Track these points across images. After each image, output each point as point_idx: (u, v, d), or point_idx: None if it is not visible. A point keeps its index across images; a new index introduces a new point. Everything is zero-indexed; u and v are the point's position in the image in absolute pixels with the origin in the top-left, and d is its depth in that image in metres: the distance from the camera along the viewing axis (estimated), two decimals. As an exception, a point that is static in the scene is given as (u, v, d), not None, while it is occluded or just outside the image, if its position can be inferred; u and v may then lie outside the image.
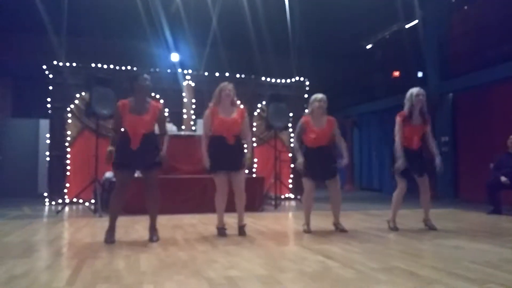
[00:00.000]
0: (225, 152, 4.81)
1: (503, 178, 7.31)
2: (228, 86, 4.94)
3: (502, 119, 9.52)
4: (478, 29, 10.52)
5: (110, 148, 4.44)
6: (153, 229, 4.70)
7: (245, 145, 5.06)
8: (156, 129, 4.68)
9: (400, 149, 5.18)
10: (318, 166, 5.10)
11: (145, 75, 4.56)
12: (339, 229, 5.31)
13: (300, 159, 5.09)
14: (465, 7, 11.16)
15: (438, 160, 5.25)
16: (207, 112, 4.97)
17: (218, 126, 4.86)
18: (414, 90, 5.32)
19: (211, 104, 4.99)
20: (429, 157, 5.38)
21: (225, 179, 4.90)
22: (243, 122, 4.97)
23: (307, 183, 5.20)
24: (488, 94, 10.00)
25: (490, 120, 9.86)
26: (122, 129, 4.54)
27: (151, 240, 4.59)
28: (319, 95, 5.26)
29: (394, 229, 5.33)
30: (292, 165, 5.23)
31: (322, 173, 5.17)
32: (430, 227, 5.41)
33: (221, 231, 4.97)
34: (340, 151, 5.27)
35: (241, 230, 5.01)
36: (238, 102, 5.14)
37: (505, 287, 2.83)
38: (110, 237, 4.50)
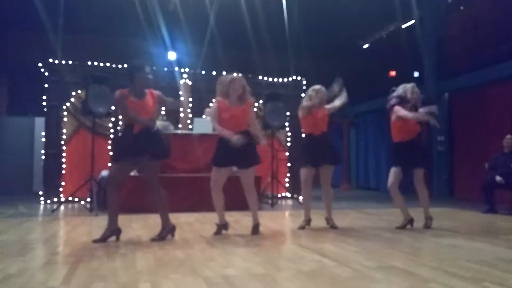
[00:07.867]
0: (233, 149, 4.58)
1: (498, 178, 7.35)
2: (239, 82, 4.74)
3: (498, 119, 9.56)
4: (474, 30, 10.56)
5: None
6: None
7: (254, 134, 4.87)
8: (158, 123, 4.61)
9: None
10: (316, 152, 5.15)
11: (147, 68, 4.44)
12: (330, 225, 5.36)
13: None
14: (462, 8, 11.18)
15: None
16: (214, 105, 4.86)
17: (226, 119, 4.69)
18: (409, 86, 5.35)
19: (218, 98, 4.84)
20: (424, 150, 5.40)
21: (225, 176, 4.80)
22: (250, 115, 4.84)
23: (303, 172, 5.25)
24: (484, 94, 10.03)
25: (486, 120, 9.90)
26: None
27: (171, 235, 4.56)
28: (318, 86, 5.32)
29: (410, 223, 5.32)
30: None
31: (318, 159, 5.19)
32: (427, 225, 5.41)
33: (220, 229, 4.85)
34: None
35: (254, 230, 4.90)
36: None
37: (500, 286, 2.84)
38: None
